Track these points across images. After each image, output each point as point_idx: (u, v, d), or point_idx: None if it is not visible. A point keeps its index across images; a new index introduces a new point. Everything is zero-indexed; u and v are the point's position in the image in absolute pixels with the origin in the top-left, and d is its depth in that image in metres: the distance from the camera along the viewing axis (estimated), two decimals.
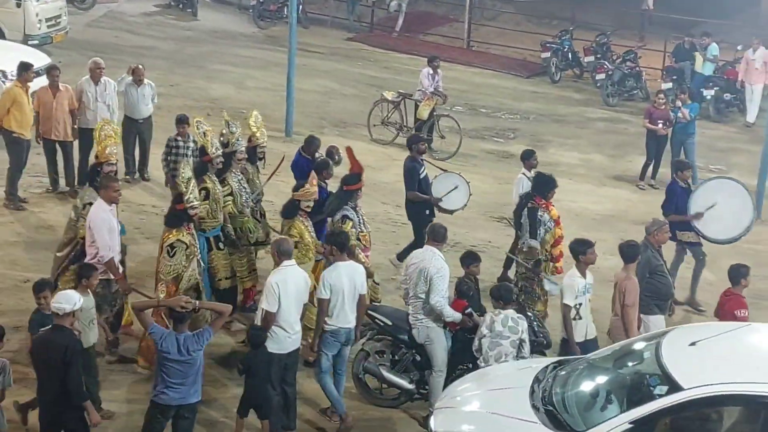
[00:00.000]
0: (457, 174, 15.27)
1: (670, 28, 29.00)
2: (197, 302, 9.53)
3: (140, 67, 16.83)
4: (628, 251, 11.21)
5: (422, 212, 14.68)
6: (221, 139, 12.93)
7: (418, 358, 11.04)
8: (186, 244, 11.16)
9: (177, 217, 11.24)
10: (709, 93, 23.53)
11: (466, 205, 15.03)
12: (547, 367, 9.77)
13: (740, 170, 19.99)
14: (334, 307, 10.12)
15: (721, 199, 13.86)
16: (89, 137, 15.28)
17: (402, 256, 14.51)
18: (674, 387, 8.27)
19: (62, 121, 15.56)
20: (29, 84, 15.56)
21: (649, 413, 8.22)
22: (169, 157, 14.46)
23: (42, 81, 16.06)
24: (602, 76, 25.41)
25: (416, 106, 20.21)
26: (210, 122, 14.45)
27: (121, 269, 11.24)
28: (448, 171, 15.60)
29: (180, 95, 21.60)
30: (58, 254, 11.73)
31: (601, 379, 9.28)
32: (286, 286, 9.91)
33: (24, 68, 15.72)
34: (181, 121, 14.60)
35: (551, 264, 12.80)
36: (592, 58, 26.57)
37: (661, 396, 8.30)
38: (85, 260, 10.82)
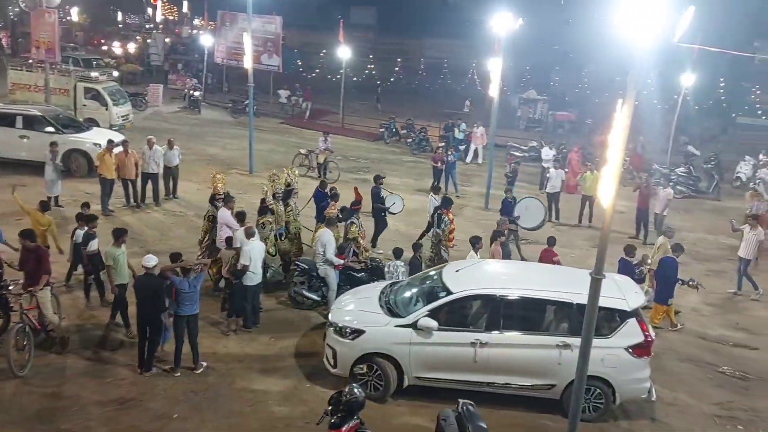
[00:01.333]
0: (398, 196, 16.25)
1: (444, 116, 31.49)
2: (190, 263, 9.96)
3: (172, 139, 18.23)
4: (496, 234, 12.61)
5: (380, 215, 15.42)
6: (287, 179, 13.63)
7: (321, 284, 11.82)
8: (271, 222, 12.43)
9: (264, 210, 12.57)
10: (461, 147, 26.15)
11: (401, 210, 16.06)
12: (388, 285, 10.59)
13: (479, 186, 21.95)
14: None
15: (529, 207, 15.64)
16: (147, 177, 17.22)
17: (374, 242, 15.11)
18: (449, 292, 9.35)
19: (131, 169, 16.82)
20: (112, 151, 16.62)
21: (437, 306, 9.24)
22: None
23: (119, 149, 16.92)
24: (410, 140, 28.31)
25: (317, 156, 22.08)
26: (215, 169, 16.22)
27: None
28: (394, 193, 16.33)
29: (192, 154, 22.59)
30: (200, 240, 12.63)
31: (414, 290, 10.05)
32: (253, 252, 10.71)
33: (109, 142, 17.10)
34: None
35: (449, 242, 13.19)
36: (405, 131, 29.35)
37: (442, 297, 9.34)
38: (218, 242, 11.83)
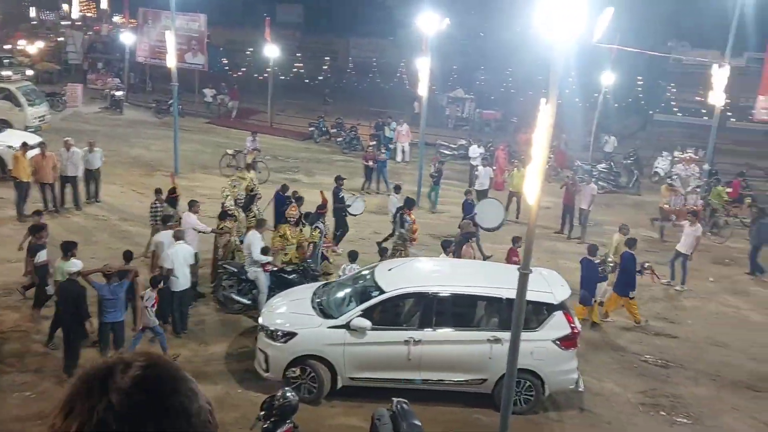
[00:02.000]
0: (359, 197, 16.54)
1: (374, 114, 31.07)
2: (112, 267, 9.71)
3: (92, 141, 17.65)
4: (466, 236, 12.93)
5: (341, 214, 15.48)
6: (249, 185, 13.72)
7: (251, 287, 11.61)
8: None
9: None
10: (391, 146, 26.16)
11: (362, 212, 15.99)
12: (320, 286, 10.60)
13: (410, 184, 20.81)
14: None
15: (488, 207, 15.73)
16: (65, 180, 16.54)
17: (338, 240, 15.04)
18: (381, 291, 9.42)
19: (48, 173, 16.05)
20: (27, 153, 15.90)
21: (370, 305, 9.30)
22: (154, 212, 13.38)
23: (36, 151, 16.21)
24: (340, 139, 28.05)
25: (245, 157, 21.15)
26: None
27: None
28: (356, 195, 16.66)
29: (114, 156, 21.75)
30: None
31: (347, 290, 10.07)
32: (177, 255, 10.59)
33: (23, 145, 16.23)
34: (158, 192, 13.65)
35: (412, 242, 13.60)
36: (335, 130, 29.01)
37: (375, 296, 9.40)
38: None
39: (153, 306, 9.83)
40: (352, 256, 12.18)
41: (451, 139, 28.79)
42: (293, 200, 13.55)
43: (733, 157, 28.23)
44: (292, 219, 12.63)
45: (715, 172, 22.94)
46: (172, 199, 13.48)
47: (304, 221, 13.01)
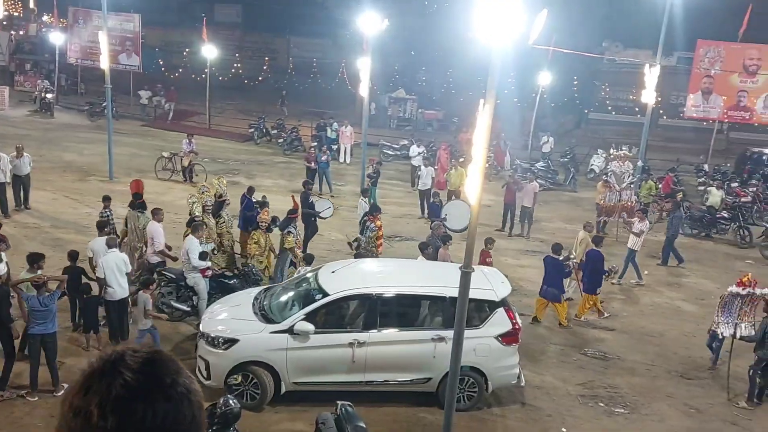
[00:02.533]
0: (328, 200, 16.38)
1: (313, 115, 31.49)
2: (45, 276, 9.28)
3: (20, 146, 17.15)
4: (443, 239, 12.81)
5: (310, 220, 15.27)
6: (218, 191, 13.45)
7: (191, 293, 11.42)
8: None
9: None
10: (334, 147, 26.18)
11: (331, 215, 15.97)
12: (261, 290, 10.36)
13: (353, 185, 22.15)
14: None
15: (455, 209, 15.86)
16: None
17: (304, 247, 14.45)
18: (325, 294, 9.31)
19: None
20: None
21: (314, 308, 9.18)
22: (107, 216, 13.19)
23: None
24: (281, 140, 27.89)
25: (181, 159, 21.36)
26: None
27: None
28: (324, 198, 16.58)
29: (45, 161, 21.41)
30: None
31: (289, 294, 9.96)
32: (108, 263, 10.20)
33: None
34: (107, 199, 13.66)
35: (378, 249, 13.52)
36: (275, 131, 28.84)
37: (318, 299, 9.31)
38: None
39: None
40: (308, 260, 12.10)
41: (393, 140, 28.98)
42: (260, 204, 13.60)
43: (665, 154, 29.27)
44: (264, 224, 12.46)
45: (648, 169, 23.71)
46: (141, 204, 13.19)
47: (271, 226, 12.90)
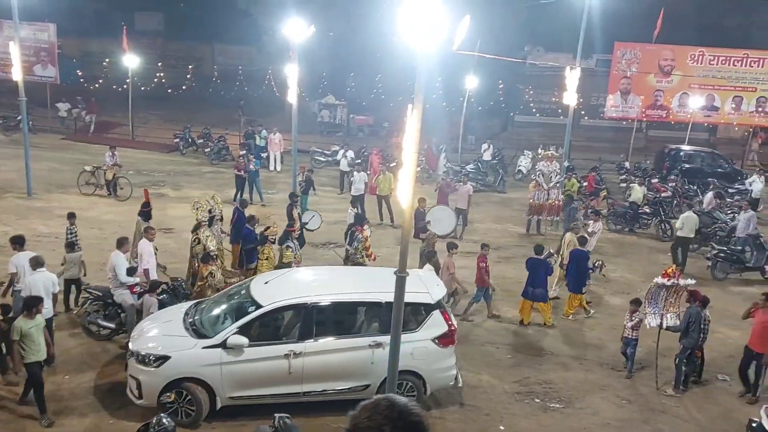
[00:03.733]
0: (315, 212, 16.33)
1: (243, 123, 30.65)
2: None
3: None
4: (448, 246, 12.97)
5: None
6: (211, 207, 13.24)
7: (119, 311, 11.12)
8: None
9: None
10: (263, 155, 25.85)
11: (319, 226, 16.06)
12: (192, 305, 10.11)
13: (284, 192, 21.24)
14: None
15: (440, 215, 16.56)
16: None
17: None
18: (258, 305, 9.18)
19: None
20: None
21: (247, 321, 9.04)
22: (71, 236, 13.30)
23: None
24: (208, 149, 27.45)
25: (105, 173, 20.73)
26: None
27: None
28: (310, 210, 16.49)
29: None
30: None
31: (222, 307, 9.77)
32: (36, 283, 9.88)
33: None
34: (71, 216, 13.73)
35: (370, 258, 13.71)
36: (202, 140, 28.28)
37: (252, 311, 9.16)
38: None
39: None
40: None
41: (324, 146, 28.88)
42: (249, 219, 13.61)
43: (588, 153, 30.26)
44: (272, 238, 12.40)
45: (572, 168, 24.44)
46: (146, 212, 13.57)
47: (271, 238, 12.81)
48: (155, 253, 12.35)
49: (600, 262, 14.51)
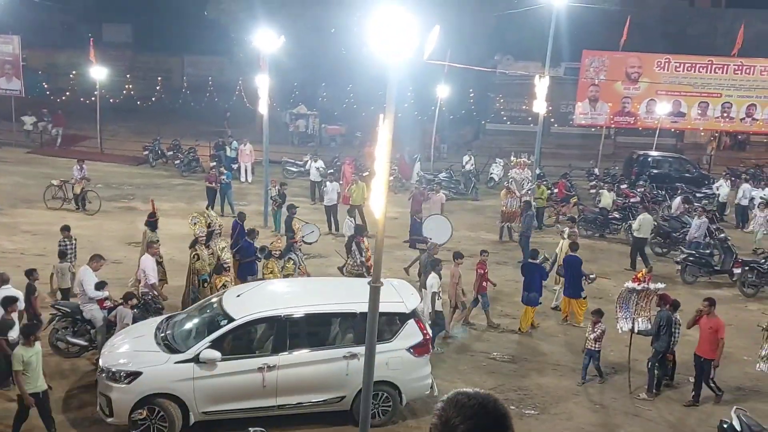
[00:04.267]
0: (314, 225, 16.12)
1: (212, 134, 30.72)
2: None
3: None
4: (455, 255, 12.96)
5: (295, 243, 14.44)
6: (207, 221, 13.21)
7: (88, 327, 10.92)
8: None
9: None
10: (234, 166, 25.41)
11: (317, 240, 15.97)
12: (163, 320, 10.00)
13: (256, 204, 21.58)
14: None
15: (436, 224, 16.38)
16: None
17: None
18: (230, 319, 9.09)
19: None
20: None
21: (220, 335, 8.97)
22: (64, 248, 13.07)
23: None
24: (178, 161, 27.20)
25: (72, 187, 20.46)
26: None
27: None
28: (309, 223, 16.28)
29: None
30: None
31: (194, 321, 9.70)
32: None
33: None
34: (65, 228, 13.77)
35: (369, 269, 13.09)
36: (171, 152, 27.89)
37: (224, 325, 9.07)
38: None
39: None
40: None
41: (296, 156, 28.76)
42: (257, 232, 13.79)
43: (558, 160, 30.45)
44: (277, 252, 12.44)
45: (543, 175, 24.68)
46: (152, 222, 13.65)
47: (259, 254, 12.97)
48: (161, 263, 12.63)
49: (594, 275, 14.50)
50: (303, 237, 14.83)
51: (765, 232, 18.85)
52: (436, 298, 11.76)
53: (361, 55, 24.31)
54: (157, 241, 13.25)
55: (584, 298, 13.67)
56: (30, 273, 10.99)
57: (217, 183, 20.95)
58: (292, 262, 12.69)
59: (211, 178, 21.13)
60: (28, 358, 8.47)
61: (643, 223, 17.32)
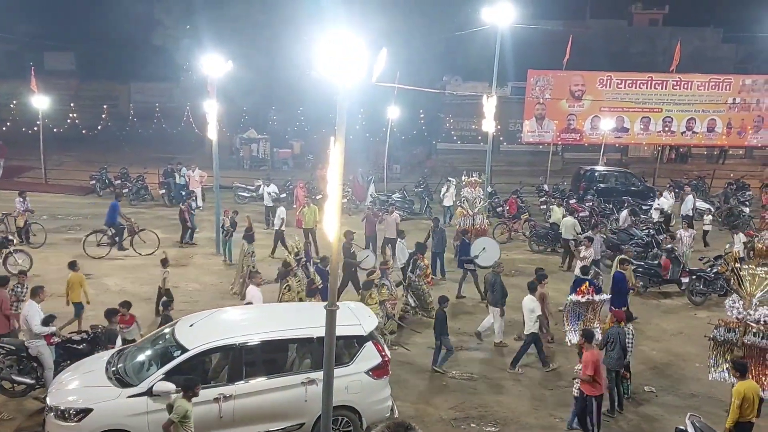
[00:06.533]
0: (369, 251, 16.60)
1: (160, 161, 30.38)
2: None
3: None
4: (539, 277, 12.87)
5: (351, 270, 15.21)
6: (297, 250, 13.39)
7: (35, 364, 10.51)
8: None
9: None
10: (182, 193, 25.26)
11: (373, 265, 15.50)
12: (114, 353, 9.78)
13: (208, 230, 21.63)
14: None
15: (485, 246, 16.26)
16: None
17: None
18: (184, 350, 8.91)
19: None
20: None
21: (173, 366, 8.75)
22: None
23: None
24: (126, 189, 26.65)
25: (15, 219, 20.01)
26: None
27: None
28: (364, 249, 16.66)
29: None
30: None
31: (146, 353, 9.44)
32: None
33: None
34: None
35: (429, 282, 14.38)
36: (119, 181, 27.39)
37: (177, 356, 8.88)
38: None
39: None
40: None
41: (248, 181, 28.59)
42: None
43: (508, 177, 31.14)
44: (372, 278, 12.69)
45: (494, 192, 24.98)
46: (249, 235, 14.98)
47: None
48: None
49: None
50: (359, 262, 14.95)
51: (693, 249, 19.14)
52: (536, 319, 11.95)
53: (311, 78, 24.35)
54: (253, 252, 15.02)
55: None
56: None
57: (191, 211, 20.96)
58: (386, 287, 12.76)
59: (184, 211, 20.91)
60: (192, 413, 8.19)
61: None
